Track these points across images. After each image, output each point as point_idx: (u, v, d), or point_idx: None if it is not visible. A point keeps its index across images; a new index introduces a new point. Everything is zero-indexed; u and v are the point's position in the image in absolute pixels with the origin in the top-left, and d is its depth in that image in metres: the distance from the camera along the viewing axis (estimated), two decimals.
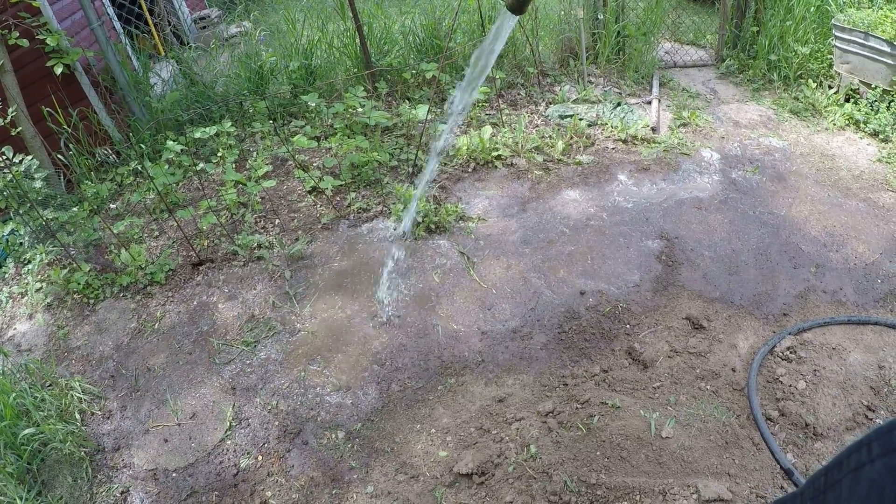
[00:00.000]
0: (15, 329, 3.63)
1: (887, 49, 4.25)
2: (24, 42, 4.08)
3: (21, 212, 3.70)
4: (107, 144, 4.90)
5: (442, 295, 3.43)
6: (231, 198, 4.17)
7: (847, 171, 4.20)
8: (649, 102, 5.11)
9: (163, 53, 6.68)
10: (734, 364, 2.92)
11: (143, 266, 3.76)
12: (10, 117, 3.87)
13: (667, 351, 3.00)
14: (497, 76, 5.15)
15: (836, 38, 4.66)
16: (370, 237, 3.88)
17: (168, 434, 2.89)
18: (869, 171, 4.19)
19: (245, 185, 4.27)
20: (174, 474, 2.72)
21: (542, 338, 3.15)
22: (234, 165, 4.52)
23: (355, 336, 3.24)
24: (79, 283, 3.69)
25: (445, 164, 4.44)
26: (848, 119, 4.68)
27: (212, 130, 4.39)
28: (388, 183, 4.30)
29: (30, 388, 3.00)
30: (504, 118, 4.92)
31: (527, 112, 5.07)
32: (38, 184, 3.73)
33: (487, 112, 5.07)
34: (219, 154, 4.63)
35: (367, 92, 5.19)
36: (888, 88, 4.43)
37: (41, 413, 2.88)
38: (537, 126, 4.88)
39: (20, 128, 4.00)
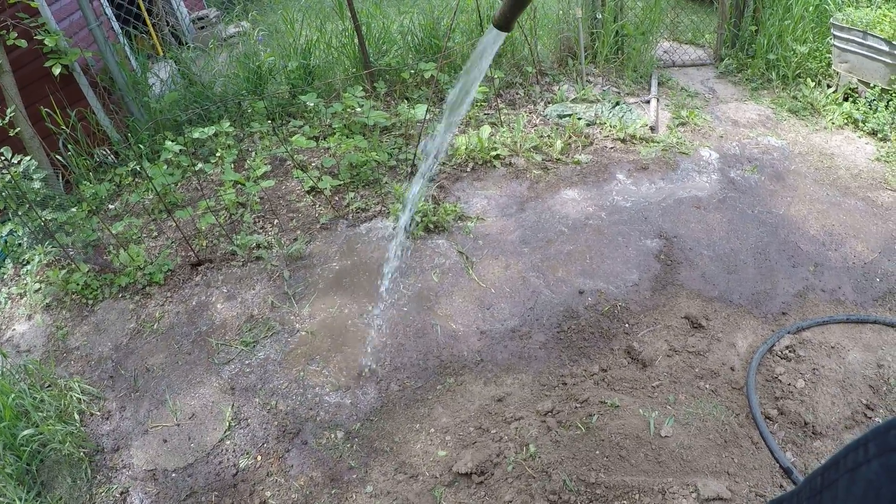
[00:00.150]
0: (14, 330, 3.62)
1: (886, 48, 4.26)
2: (23, 42, 4.08)
3: (20, 212, 3.70)
4: (105, 145, 4.89)
5: (441, 294, 3.43)
6: (230, 198, 4.16)
7: (846, 170, 4.20)
8: (648, 102, 5.12)
9: (161, 54, 6.67)
10: (733, 363, 2.92)
11: (141, 266, 3.76)
12: (8, 118, 3.87)
13: (666, 350, 3.00)
14: (495, 76, 5.15)
15: (835, 37, 4.66)
16: (369, 237, 3.88)
17: (167, 434, 2.89)
18: (867, 169, 4.19)
19: (244, 185, 4.26)
20: (173, 474, 2.72)
21: (540, 337, 3.15)
22: (232, 165, 4.52)
23: (354, 336, 3.24)
24: (77, 284, 3.69)
25: (444, 163, 4.44)
26: (846, 118, 4.68)
27: (210, 130, 4.39)
28: (386, 183, 4.30)
29: (29, 388, 2.99)
30: (502, 118, 4.92)
31: (525, 111, 5.07)
32: (36, 184, 3.72)
33: (486, 112, 5.08)
34: (217, 154, 4.63)
35: (366, 92, 5.19)
36: (887, 87, 4.44)
37: (40, 414, 2.88)
38: (536, 125, 4.88)
39: (18, 128, 4.00)
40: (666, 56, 5.85)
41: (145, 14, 6.69)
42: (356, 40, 5.18)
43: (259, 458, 2.74)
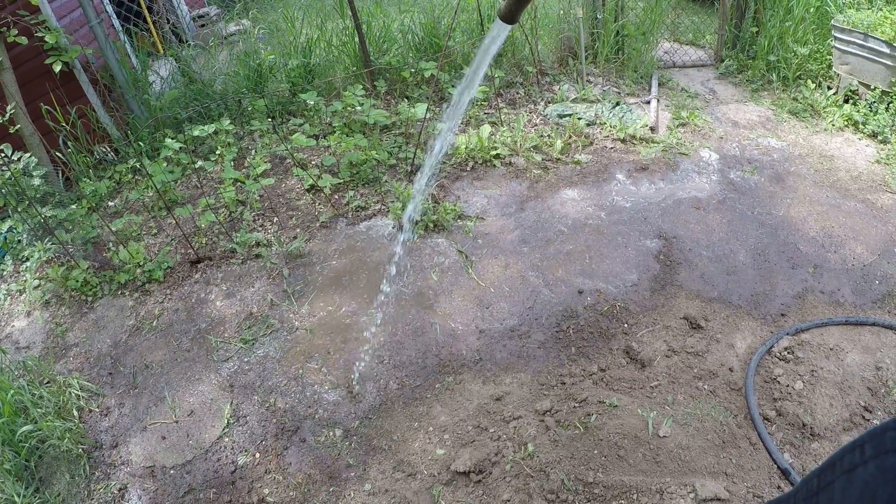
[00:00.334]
0: (13, 326, 3.62)
1: (886, 50, 4.26)
2: (23, 39, 4.07)
3: (19, 209, 3.70)
4: (105, 142, 4.89)
5: (440, 293, 3.43)
6: (229, 196, 4.16)
7: (845, 172, 4.20)
8: (648, 102, 5.12)
9: (161, 51, 6.67)
10: (732, 364, 2.93)
11: (141, 264, 3.76)
12: (8, 115, 3.87)
13: (664, 350, 3.01)
14: (496, 75, 5.15)
15: (836, 38, 4.66)
16: (368, 235, 3.88)
17: (166, 431, 2.89)
18: (867, 172, 4.19)
19: (244, 183, 4.26)
20: (172, 471, 2.72)
21: (539, 337, 3.15)
22: (232, 163, 4.52)
23: (353, 334, 3.24)
24: (77, 281, 3.69)
25: (444, 162, 4.44)
26: (847, 120, 4.68)
27: (210, 128, 4.39)
28: (386, 181, 4.30)
29: (28, 385, 3.00)
30: (503, 117, 4.92)
31: (525, 111, 5.07)
32: (36, 181, 3.72)
33: (486, 111, 5.08)
34: (217, 152, 4.62)
35: (366, 90, 5.19)
36: (887, 89, 4.44)
37: (39, 410, 2.88)
38: (536, 125, 4.88)
39: (19, 125, 3.99)
40: (666, 57, 5.85)
41: (146, 11, 6.68)
42: (357, 39, 5.18)
43: (257, 455, 2.74)
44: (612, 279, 3.44)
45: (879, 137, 4.46)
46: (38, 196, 3.75)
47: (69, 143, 4.61)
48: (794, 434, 2.60)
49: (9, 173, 3.55)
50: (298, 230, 3.97)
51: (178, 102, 5.17)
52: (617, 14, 5.44)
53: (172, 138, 4.52)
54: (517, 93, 5.35)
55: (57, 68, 4.33)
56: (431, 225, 3.85)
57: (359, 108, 4.74)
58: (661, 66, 5.74)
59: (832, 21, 4.73)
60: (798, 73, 5.21)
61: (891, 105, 4.47)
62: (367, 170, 4.36)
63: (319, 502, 2.54)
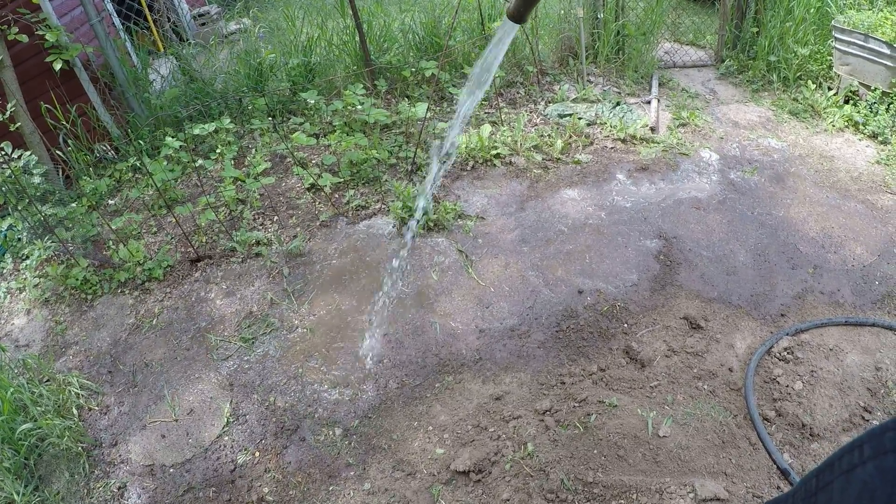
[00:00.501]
0: (13, 324, 3.62)
1: (887, 51, 4.26)
2: (24, 38, 4.07)
3: (19, 207, 3.69)
4: (105, 140, 4.89)
5: (440, 293, 3.43)
6: (230, 194, 4.16)
7: (846, 173, 4.21)
8: (648, 102, 5.12)
9: (162, 50, 6.66)
10: (731, 364, 2.93)
11: (141, 262, 3.76)
12: (9, 112, 3.86)
13: (664, 350, 3.01)
14: (496, 75, 5.15)
15: (836, 39, 4.67)
16: (368, 234, 3.88)
17: (165, 430, 2.89)
18: (868, 172, 4.20)
19: (244, 181, 4.26)
20: (171, 470, 2.72)
21: (539, 336, 3.15)
22: (232, 162, 4.52)
23: (353, 333, 3.24)
24: (77, 279, 3.69)
25: (444, 161, 4.44)
26: (847, 121, 4.68)
27: (211, 127, 4.39)
28: (386, 181, 4.30)
29: (27, 383, 2.99)
30: (503, 117, 4.92)
31: (526, 111, 5.07)
32: (36, 179, 3.72)
33: (487, 110, 5.08)
34: (218, 151, 4.62)
35: (367, 89, 5.19)
36: (888, 90, 4.44)
37: (39, 408, 2.88)
38: (536, 125, 4.88)
39: (19, 123, 3.99)
40: (667, 57, 5.86)
41: (146, 10, 6.68)
42: (357, 38, 5.18)
43: (257, 454, 2.74)
44: (612, 279, 3.44)
45: (880, 138, 4.46)
46: (38, 194, 3.75)
47: (69, 141, 4.61)
48: (794, 434, 2.60)
49: (9, 171, 3.54)
50: (298, 229, 3.97)
51: (179, 101, 5.17)
52: (617, 14, 5.44)
53: (173, 137, 4.52)
54: (517, 92, 5.35)
55: (57, 66, 4.33)
56: (431, 224, 3.85)
57: (359, 107, 4.74)
58: (661, 67, 5.74)
59: (833, 22, 4.73)
60: (798, 74, 5.21)
61: (891, 106, 4.47)
62: (368, 169, 4.36)
63: (319, 501, 2.54)
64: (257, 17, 7.13)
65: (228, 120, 4.65)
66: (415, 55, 5.50)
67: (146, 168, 3.80)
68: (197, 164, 4.50)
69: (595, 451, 2.54)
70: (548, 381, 2.93)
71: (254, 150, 4.73)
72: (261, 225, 4.06)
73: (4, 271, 4.01)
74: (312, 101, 4.82)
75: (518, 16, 1.68)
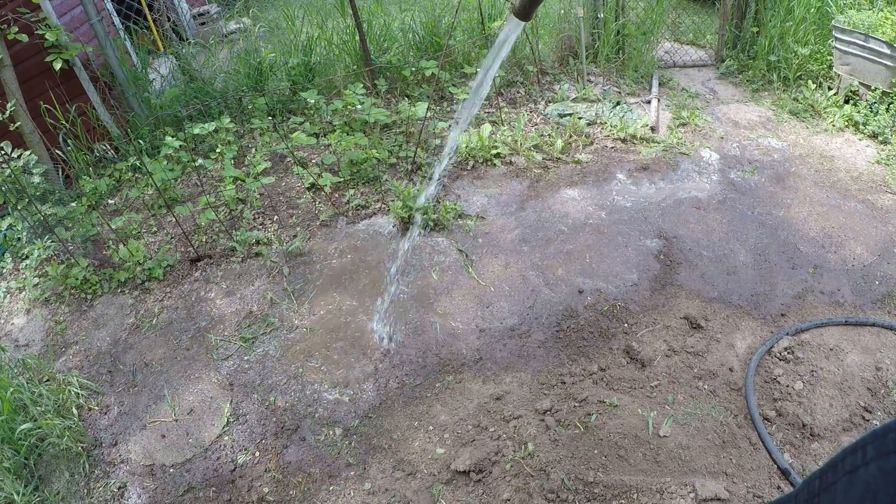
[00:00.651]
0: (13, 324, 3.62)
1: (887, 51, 4.26)
2: (24, 37, 4.07)
3: (19, 207, 3.69)
4: (105, 140, 4.89)
5: (440, 292, 3.43)
6: (229, 194, 4.16)
7: (846, 173, 4.21)
8: (648, 102, 5.12)
9: (162, 49, 6.66)
10: (732, 364, 2.93)
11: (141, 262, 3.76)
12: (8, 112, 3.86)
13: (665, 350, 3.01)
14: (496, 74, 5.15)
15: (836, 39, 4.66)
16: (368, 234, 3.88)
17: (165, 430, 2.89)
18: (868, 172, 4.20)
19: (244, 181, 4.26)
20: (171, 470, 2.72)
21: (540, 336, 3.15)
22: (232, 162, 4.52)
23: (353, 333, 3.24)
24: (76, 279, 3.69)
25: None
26: (847, 120, 4.68)
27: (210, 127, 4.38)
28: (386, 180, 4.30)
29: (27, 383, 2.99)
30: (503, 116, 4.92)
31: (526, 110, 5.07)
32: (36, 179, 3.72)
33: (487, 110, 5.07)
34: (217, 150, 4.62)
35: (367, 89, 5.18)
36: (888, 90, 4.44)
37: (39, 408, 2.88)
38: (536, 124, 4.88)
39: (19, 123, 3.99)
40: (667, 56, 5.85)
41: (146, 10, 6.68)
42: (357, 37, 5.18)
43: (257, 453, 2.74)
44: (613, 279, 3.44)
45: (880, 138, 4.46)
46: (37, 194, 3.75)
47: (69, 140, 4.60)
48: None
49: (9, 171, 3.54)
50: (298, 229, 3.97)
51: (179, 100, 5.17)
52: (617, 13, 5.43)
53: (172, 136, 4.51)
54: (518, 92, 5.35)
55: (57, 66, 4.32)
56: (432, 224, 3.85)
57: (359, 106, 4.73)
58: (661, 66, 5.74)
59: (833, 21, 4.73)
60: (798, 74, 5.21)
61: (891, 106, 4.47)
62: (368, 168, 4.35)
63: (319, 501, 2.54)
64: (257, 17, 7.13)
65: (228, 119, 4.65)
66: (415, 55, 5.50)
67: (146, 167, 3.80)
68: (197, 164, 4.50)
69: (596, 451, 2.54)
70: (548, 380, 2.92)
71: (254, 150, 4.72)
72: (261, 224, 4.06)
73: (4, 271, 4.01)
74: (312, 101, 4.82)
75: (524, 13, 1.68)
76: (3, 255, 4.05)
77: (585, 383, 2.86)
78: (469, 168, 4.41)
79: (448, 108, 5.20)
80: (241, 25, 7.11)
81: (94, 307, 3.61)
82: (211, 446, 2.79)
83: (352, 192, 4.21)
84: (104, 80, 4.89)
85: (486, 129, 4.54)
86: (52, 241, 3.77)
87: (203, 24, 7.62)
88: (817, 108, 4.89)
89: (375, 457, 2.67)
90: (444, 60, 5.22)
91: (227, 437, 2.82)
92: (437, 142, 4.66)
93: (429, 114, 4.44)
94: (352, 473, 2.62)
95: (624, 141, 4.61)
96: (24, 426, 2.76)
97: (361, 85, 4.91)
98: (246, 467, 2.69)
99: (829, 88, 4.97)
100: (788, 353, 2.94)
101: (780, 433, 2.61)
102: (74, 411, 2.97)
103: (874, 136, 4.51)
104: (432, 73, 4.94)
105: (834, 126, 4.70)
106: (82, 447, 2.83)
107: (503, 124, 4.77)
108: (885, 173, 4.17)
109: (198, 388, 3.06)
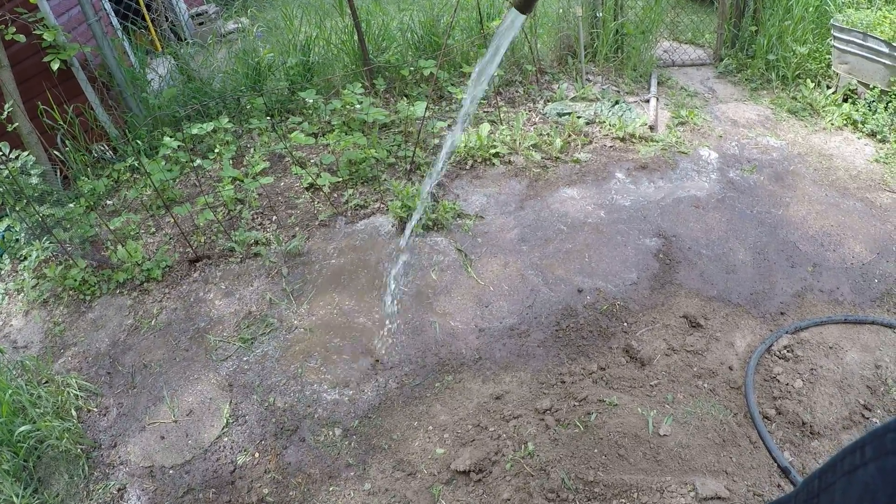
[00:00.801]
0: (11, 326, 3.61)
1: (885, 50, 4.26)
2: (21, 37, 4.06)
3: (17, 208, 3.68)
4: (103, 140, 4.88)
5: (439, 292, 3.43)
6: (228, 194, 4.15)
7: (844, 171, 4.21)
8: (647, 101, 5.12)
9: (160, 49, 6.65)
10: (731, 362, 2.93)
11: (139, 262, 3.75)
12: (6, 113, 3.85)
13: (664, 349, 3.00)
14: (495, 73, 5.14)
15: (835, 38, 4.67)
16: (367, 234, 3.87)
17: (165, 431, 2.88)
18: (866, 171, 4.20)
19: (242, 181, 4.26)
20: (171, 471, 2.72)
21: (539, 335, 3.15)
22: (231, 162, 4.51)
23: (352, 333, 3.24)
24: (75, 280, 3.68)
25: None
26: (846, 119, 4.68)
27: (209, 127, 4.38)
28: (385, 180, 4.30)
29: (26, 384, 2.98)
30: (502, 115, 4.91)
31: (525, 110, 5.06)
32: (34, 180, 3.71)
33: (485, 110, 5.07)
34: (216, 150, 4.62)
35: (365, 89, 5.18)
36: (886, 89, 4.44)
37: (37, 410, 2.87)
38: (535, 124, 4.88)
39: (16, 123, 3.98)
40: (666, 55, 5.85)
41: (144, 10, 6.67)
42: (356, 37, 5.18)
43: (257, 454, 2.73)
44: (612, 278, 3.44)
45: (878, 136, 4.46)
46: (35, 195, 3.74)
47: (67, 141, 4.60)
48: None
49: (6, 172, 3.53)
50: (297, 229, 3.97)
51: (177, 101, 5.16)
52: (616, 13, 5.43)
53: (171, 136, 4.50)
54: (516, 91, 5.35)
55: (55, 66, 4.32)
56: (430, 223, 3.85)
57: (358, 106, 4.73)
58: (660, 65, 5.74)
59: (831, 20, 4.73)
60: (797, 73, 5.21)
61: (889, 104, 4.47)
62: (366, 168, 4.35)
63: (319, 502, 2.54)
64: (255, 17, 7.12)
65: (227, 119, 4.64)
66: (413, 54, 5.49)
67: (144, 168, 3.79)
68: (195, 164, 4.49)
69: (596, 450, 2.54)
70: (548, 380, 2.92)
71: (252, 150, 4.72)
72: (259, 225, 4.05)
73: (2, 272, 4.00)
74: (311, 101, 4.82)
75: (524, 6, 1.69)
76: (2, 256, 4.04)
77: (585, 382, 2.86)
78: (468, 167, 4.40)
79: (447, 108, 5.20)
80: (240, 25, 7.10)
81: (92, 308, 3.60)
82: (210, 447, 2.79)
83: (350, 191, 4.20)
84: (102, 80, 4.89)
85: (485, 128, 4.54)
86: (51, 243, 3.76)
87: (201, 23, 7.61)
88: (816, 106, 4.89)
89: (375, 457, 2.67)
90: (442, 60, 5.22)
91: (226, 438, 2.81)
92: (436, 141, 4.65)
93: (427, 113, 4.43)
94: (351, 474, 2.62)
95: (623, 140, 4.61)
96: (23, 428, 2.75)
97: (360, 84, 4.91)
98: (245, 468, 2.69)
99: (828, 87, 4.97)
100: (788, 351, 2.94)
101: (780, 431, 2.61)
102: (73, 413, 2.96)
103: (873, 134, 4.51)
104: (431, 72, 4.93)
105: (832, 125, 4.70)
106: (81, 449, 2.82)
107: (502, 123, 4.77)
108: (883, 171, 4.17)
109: (197, 389, 3.05)
